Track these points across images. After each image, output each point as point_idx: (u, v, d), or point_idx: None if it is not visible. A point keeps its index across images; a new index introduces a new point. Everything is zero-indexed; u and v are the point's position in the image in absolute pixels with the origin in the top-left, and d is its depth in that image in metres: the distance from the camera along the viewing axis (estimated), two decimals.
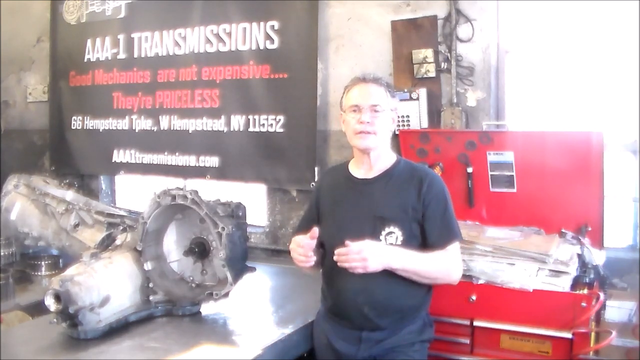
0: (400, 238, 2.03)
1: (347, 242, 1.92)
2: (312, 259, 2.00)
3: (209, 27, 4.01)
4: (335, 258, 1.94)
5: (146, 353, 2.01)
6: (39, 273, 3.09)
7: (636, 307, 2.56)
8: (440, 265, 2.05)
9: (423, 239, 2.06)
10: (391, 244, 2.02)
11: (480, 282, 2.42)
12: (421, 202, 2.06)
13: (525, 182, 2.83)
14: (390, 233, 2.03)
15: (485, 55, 3.24)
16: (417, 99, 3.26)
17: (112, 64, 4.51)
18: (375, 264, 1.93)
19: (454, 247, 2.09)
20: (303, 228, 2.25)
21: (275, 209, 3.95)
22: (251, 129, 3.88)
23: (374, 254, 1.93)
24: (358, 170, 2.18)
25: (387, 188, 2.10)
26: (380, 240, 2.03)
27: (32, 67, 5.11)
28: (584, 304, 2.23)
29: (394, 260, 1.97)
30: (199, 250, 2.43)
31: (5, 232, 3.18)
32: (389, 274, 2.00)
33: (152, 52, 4.30)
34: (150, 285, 2.35)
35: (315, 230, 2.00)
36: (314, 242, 1.99)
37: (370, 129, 2.06)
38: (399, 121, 3.19)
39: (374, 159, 2.13)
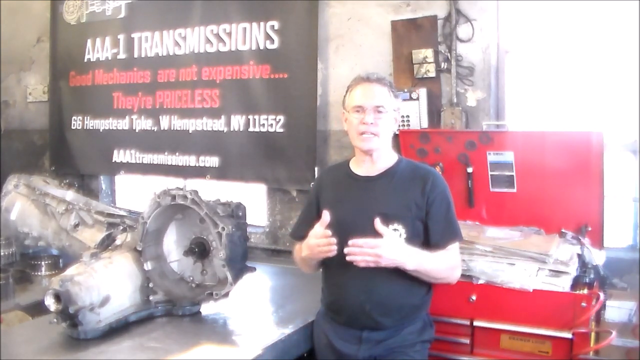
0: (404, 236, 2.03)
1: (378, 223, 1.91)
2: (335, 244, 1.97)
3: (209, 27, 4.02)
4: (346, 250, 1.91)
5: (146, 353, 2.01)
6: (39, 273, 3.09)
7: (636, 307, 2.56)
8: (447, 265, 2.06)
9: (425, 237, 2.07)
10: None
11: (480, 282, 2.42)
12: (425, 200, 2.06)
13: (525, 182, 2.83)
14: (393, 230, 2.02)
15: (485, 55, 3.24)
16: (417, 99, 3.26)
17: (112, 64, 4.51)
18: (388, 262, 1.92)
19: (455, 247, 2.10)
20: (303, 226, 2.24)
21: (275, 209, 3.95)
22: (251, 129, 3.88)
23: (390, 253, 1.91)
24: (359, 168, 2.17)
25: (390, 185, 2.10)
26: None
27: (32, 67, 5.12)
28: (584, 304, 2.23)
29: (409, 262, 1.96)
30: (199, 250, 2.43)
31: (5, 232, 3.18)
32: (390, 272, 2.00)
33: (152, 52, 4.30)
34: (150, 285, 2.35)
35: (326, 215, 1.98)
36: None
37: (374, 130, 2.06)
38: None
39: (375, 158, 2.13)
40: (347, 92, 2.16)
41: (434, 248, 2.05)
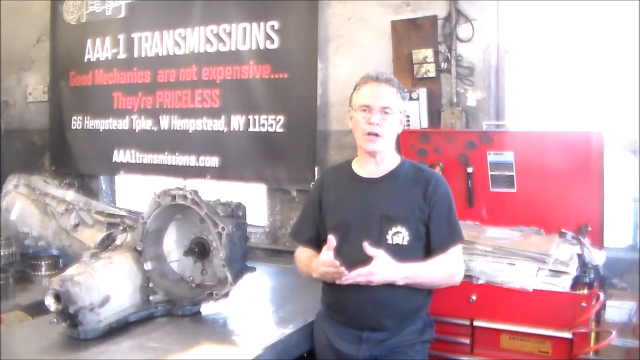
0: (407, 238, 2.03)
1: (367, 247, 1.91)
2: (343, 271, 1.94)
3: (209, 27, 4.01)
4: (338, 281, 1.93)
5: (146, 353, 2.01)
6: (39, 273, 3.09)
7: (636, 307, 2.56)
8: (443, 272, 2.06)
9: (426, 239, 2.07)
10: (397, 244, 2.01)
11: (480, 282, 2.42)
12: (427, 202, 2.06)
13: (525, 182, 2.83)
14: (397, 233, 2.03)
15: (485, 55, 3.24)
16: (417, 99, 3.26)
17: (112, 64, 4.51)
18: (379, 282, 1.94)
19: (456, 250, 2.10)
20: (304, 227, 2.25)
21: (275, 209, 3.95)
22: (251, 129, 3.88)
23: (382, 274, 1.92)
24: (362, 169, 2.17)
25: (393, 188, 2.10)
26: (387, 239, 2.02)
27: (32, 67, 5.12)
28: (584, 304, 2.23)
29: (399, 280, 1.97)
30: (199, 250, 2.43)
31: (5, 232, 3.18)
32: None
33: (152, 52, 4.30)
34: (150, 285, 2.35)
35: (332, 240, 1.96)
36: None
37: (379, 130, 2.05)
38: None
39: (379, 159, 2.13)
40: (354, 90, 2.15)
41: (435, 251, 2.05)
